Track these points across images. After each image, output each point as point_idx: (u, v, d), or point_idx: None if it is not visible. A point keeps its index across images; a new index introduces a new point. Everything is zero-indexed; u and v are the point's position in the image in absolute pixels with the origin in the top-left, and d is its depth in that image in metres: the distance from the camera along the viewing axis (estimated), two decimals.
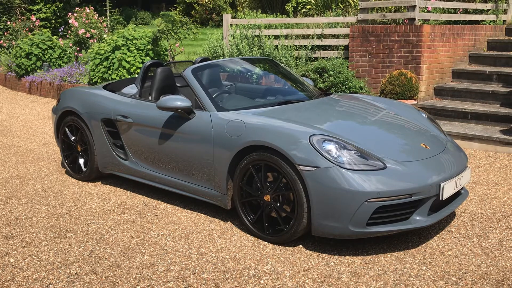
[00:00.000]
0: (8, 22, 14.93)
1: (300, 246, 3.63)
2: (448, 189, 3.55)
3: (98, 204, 4.56)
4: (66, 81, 10.53)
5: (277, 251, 3.55)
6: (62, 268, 3.38)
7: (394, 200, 3.33)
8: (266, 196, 3.65)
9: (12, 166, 5.82)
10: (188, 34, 10.35)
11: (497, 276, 3.18)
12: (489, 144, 6.11)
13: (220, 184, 3.95)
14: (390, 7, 8.37)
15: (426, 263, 3.35)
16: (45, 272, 3.33)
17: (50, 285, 3.17)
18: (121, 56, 9.21)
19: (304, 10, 12.35)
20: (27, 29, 14.39)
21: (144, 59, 9.40)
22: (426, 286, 3.08)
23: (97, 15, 13.08)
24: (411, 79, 7.03)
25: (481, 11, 8.83)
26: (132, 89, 4.97)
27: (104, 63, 9.39)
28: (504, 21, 9.15)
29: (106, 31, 12.76)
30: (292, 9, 13.17)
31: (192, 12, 17.19)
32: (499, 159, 5.76)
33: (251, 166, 3.69)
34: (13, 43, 13.44)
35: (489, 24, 8.83)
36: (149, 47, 9.51)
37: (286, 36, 8.86)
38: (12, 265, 3.43)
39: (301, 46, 8.68)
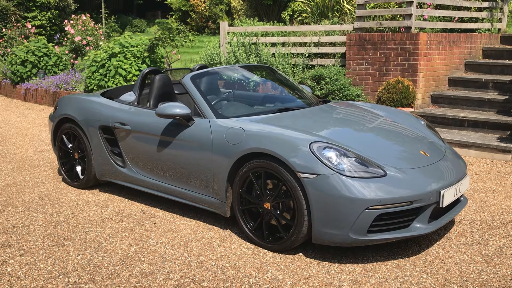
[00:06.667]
0: (4, 29, 14.89)
1: (300, 254, 3.61)
2: (448, 197, 3.55)
3: (96, 212, 4.53)
4: (62, 89, 10.50)
5: (277, 259, 3.54)
6: (60, 276, 3.35)
7: (395, 207, 3.33)
8: (266, 204, 3.63)
9: (8, 174, 5.77)
10: (185, 42, 10.35)
11: (498, 284, 3.18)
12: (486, 151, 6.13)
13: (220, 192, 3.94)
14: (386, 15, 8.41)
15: (427, 271, 3.34)
16: (43, 281, 3.30)
17: None
18: (118, 64, 9.20)
19: (300, 18, 12.40)
20: (22, 36, 14.37)
21: (140, 67, 9.39)
22: None
23: (93, 22, 13.08)
24: (408, 86, 7.06)
25: (476, 20, 8.90)
26: (130, 96, 4.96)
27: (101, 71, 9.37)
28: (499, 29, 9.22)
29: (102, 38, 12.75)
30: (288, 17, 13.23)
31: (188, 20, 17.22)
32: (496, 167, 5.77)
33: (251, 174, 3.68)
34: (9, 50, 13.40)
35: (484, 32, 8.90)
36: (145, 54, 9.50)
37: (283, 44, 8.89)
38: (10, 274, 3.39)
39: (298, 53, 8.70)
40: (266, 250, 3.67)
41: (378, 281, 3.22)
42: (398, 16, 8.26)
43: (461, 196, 4.01)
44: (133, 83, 8.88)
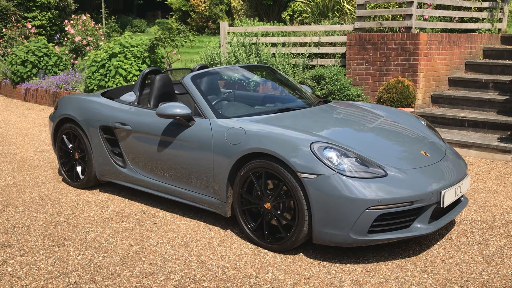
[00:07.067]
0: (4, 29, 14.89)
1: (301, 254, 3.61)
2: (448, 197, 3.55)
3: (96, 212, 4.53)
4: (62, 89, 10.50)
5: (277, 259, 3.53)
6: (61, 277, 3.35)
7: (395, 207, 3.33)
8: (267, 204, 3.63)
9: (9, 174, 5.77)
10: (185, 42, 10.35)
11: (499, 284, 3.18)
12: (486, 151, 6.13)
13: (220, 192, 3.93)
14: (386, 16, 8.41)
15: (428, 271, 3.34)
16: (44, 281, 3.29)
17: None
18: (118, 64, 9.20)
19: (300, 18, 12.40)
20: (22, 36, 14.37)
21: (141, 67, 9.39)
22: None
23: (94, 22, 13.08)
24: (408, 87, 7.06)
25: (476, 20, 8.90)
26: (130, 96, 4.96)
27: (101, 71, 9.37)
28: (499, 29, 9.22)
29: (103, 38, 12.75)
30: (288, 17, 13.23)
31: (188, 20, 17.22)
32: (497, 167, 5.77)
33: (251, 174, 3.67)
34: (9, 50, 13.40)
35: (485, 32, 8.90)
36: (146, 54, 9.50)
37: (283, 44, 8.88)
38: (10, 274, 3.39)
39: (298, 54, 8.70)
40: (266, 250, 3.67)
41: (378, 281, 3.22)
42: (399, 16, 8.26)
43: (462, 196, 4.01)
44: (133, 83, 8.88)
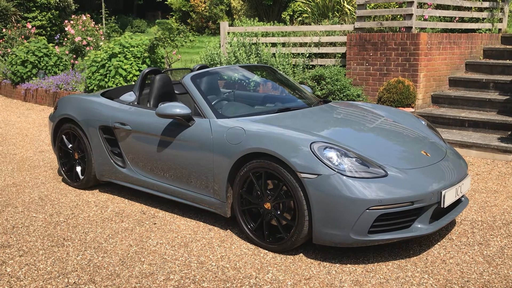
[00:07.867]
0: (4, 30, 14.89)
1: (301, 254, 3.60)
2: (449, 197, 3.54)
3: (96, 212, 4.52)
4: (62, 89, 10.49)
5: (277, 260, 3.52)
6: (60, 277, 3.34)
7: (396, 207, 3.32)
8: (267, 204, 3.62)
9: (8, 174, 5.76)
10: (185, 42, 10.34)
11: (500, 284, 3.16)
12: (487, 151, 6.11)
13: (220, 192, 3.92)
14: (387, 16, 8.40)
15: (428, 272, 3.33)
16: (43, 281, 3.28)
17: None
18: (118, 64, 9.18)
19: (300, 18, 12.40)
20: (22, 36, 14.36)
21: (141, 67, 9.38)
22: None
23: (94, 22, 13.07)
24: (409, 87, 7.05)
25: (477, 20, 8.89)
26: (130, 96, 4.95)
27: (101, 71, 9.36)
28: (500, 29, 9.21)
29: (103, 38, 12.74)
30: (289, 17, 13.23)
31: (188, 20, 17.21)
32: (497, 167, 5.76)
33: (251, 174, 3.66)
34: (9, 50, 13.39)
35: (485, 32, 8.89)
36: (146, 54, 9.49)
37: (283, 44, 8.88)
38: (9, 275, 3.38)
39: (298, 54, 8.69)
40: (266, 251, 3.66)
41: (379, 281, 3.21)
42: (399, 16, 8.25)
43: (462, 196, 4.00)
44: (133, 83, 8.87)
